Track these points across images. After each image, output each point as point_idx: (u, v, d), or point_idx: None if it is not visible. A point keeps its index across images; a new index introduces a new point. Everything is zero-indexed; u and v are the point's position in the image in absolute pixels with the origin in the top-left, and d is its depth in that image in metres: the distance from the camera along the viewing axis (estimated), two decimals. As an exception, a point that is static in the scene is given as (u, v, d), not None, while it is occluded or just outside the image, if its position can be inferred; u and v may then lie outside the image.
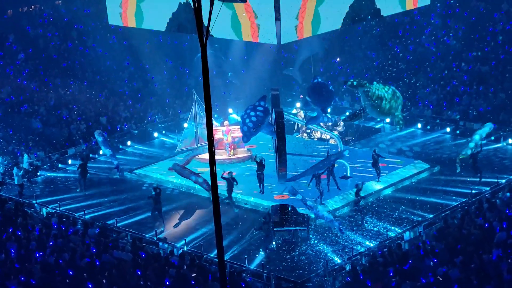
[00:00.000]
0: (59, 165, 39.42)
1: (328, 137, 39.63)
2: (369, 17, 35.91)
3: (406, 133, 41.20)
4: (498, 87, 42.06)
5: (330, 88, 36.56)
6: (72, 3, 52.33)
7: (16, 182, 35.58)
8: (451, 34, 47.02)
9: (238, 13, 32.30)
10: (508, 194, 30.85)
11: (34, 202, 34.23)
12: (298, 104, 43.52)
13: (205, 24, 16.14)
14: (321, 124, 40.14)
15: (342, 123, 40.50)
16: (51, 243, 28.36)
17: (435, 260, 25.48)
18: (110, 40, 49.48)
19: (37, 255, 27.28)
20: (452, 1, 48.67)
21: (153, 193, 32.09)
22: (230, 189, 32.75)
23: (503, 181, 33.60)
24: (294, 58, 48.46)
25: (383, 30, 48.54)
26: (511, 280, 23.45)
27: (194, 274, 25.81)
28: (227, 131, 37.27)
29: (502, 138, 38.68)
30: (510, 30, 45.61)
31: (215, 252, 26.43)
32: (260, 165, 33.67)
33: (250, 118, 33.71)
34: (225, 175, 33.16)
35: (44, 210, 33.33)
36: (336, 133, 39.34)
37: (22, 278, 25.39)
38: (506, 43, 44.84)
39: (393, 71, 41.83)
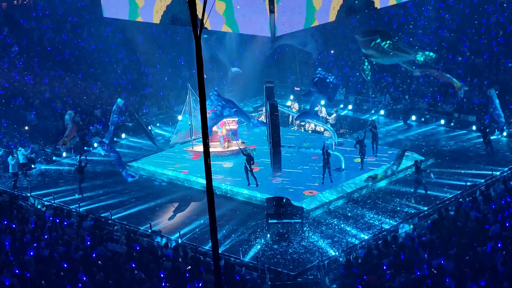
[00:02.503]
0: (54, 158, 39.37)
1: (322, 129, 39.64)
2: (363, 8, 35.88)
3: (400, 125, 41.26)
4: (492, 79, 42.10)
5: (332, 79, 36.86)
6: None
7: (10, 171, 35.70)
8: (444, 25, 47.07)
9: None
10: (502, 186, 30.88)
11: (28, 194, 34.19)
12: (292, 97, 43.55)
13: (199, 16, 16.11)
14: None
15: (334, 115, 40.53)
16: (46, 236, 28.35)
17: (429, 253, 25.52)
18: (105, 33, 49.37)
19: (32, 248, 27.27)
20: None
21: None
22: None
23: (498, 173, 33.66)
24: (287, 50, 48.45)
25: (377, 22, 48.50)
26: (505, 272, 23.51)
27: (189, 267, 25.83)
28: (221, 124, 37.24)
29: (495, 130, 38.77)
30: (504, 22, 45.65)
31: (210, 244, 26.45)
32: (250, 158, 33.67)
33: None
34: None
35: (38, 203, 33.29)
36: (329, 125, 39.38)
37: (17, 271, 25.37)
38: (500, 35, 44.87)
39: (414, 69, 41.74)
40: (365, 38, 37.58)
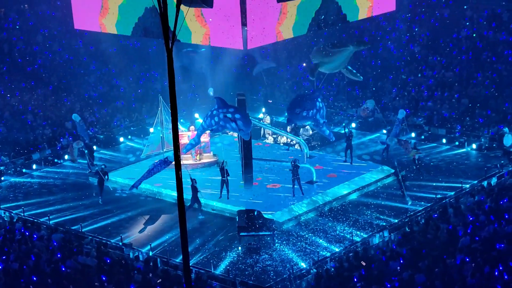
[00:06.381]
0: (24, 170, 39.09)
1: (294, 142, 39.74)
2: (335, 22, 36.02)
3: (372, 139, 41.39)
4: (462, 92, 42.42)
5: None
6: (38, 7, 51.94)
7: None
8: (415, 39, 47.43)
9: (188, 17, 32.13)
10: (471, 199, 31.10)
11: (-3, 207, 33.99)
12: (264, 109, 43.63)
13: (171, 28, 16.08)
14: (288, 129, 40.39)
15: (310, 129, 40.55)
16: (15, 249, 28.12)
17: (400, 264, 25.61)
18: (76, 45, 49.20)
19: (0, 261, 27.06)
20: (419, 7, 49.18)
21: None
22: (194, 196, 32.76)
23: (467, 186, 33.89)
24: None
25: (348, 36, 48.76)
26: (474, 284, 23.65)
27: (159, 280, 25.72)
28: (192, 136, 37.19)
29: (466, 143, 39.06)
30: (475, 36, 46.04)
31: (181, 257, 26.37)
32: (223, 170, 33.64)
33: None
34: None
35: (7, 215, 33.03)
36: (301, 137, 39.47)
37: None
38: (470, 49, 45.26)
39: (359, 76, 41.96)
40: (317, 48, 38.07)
